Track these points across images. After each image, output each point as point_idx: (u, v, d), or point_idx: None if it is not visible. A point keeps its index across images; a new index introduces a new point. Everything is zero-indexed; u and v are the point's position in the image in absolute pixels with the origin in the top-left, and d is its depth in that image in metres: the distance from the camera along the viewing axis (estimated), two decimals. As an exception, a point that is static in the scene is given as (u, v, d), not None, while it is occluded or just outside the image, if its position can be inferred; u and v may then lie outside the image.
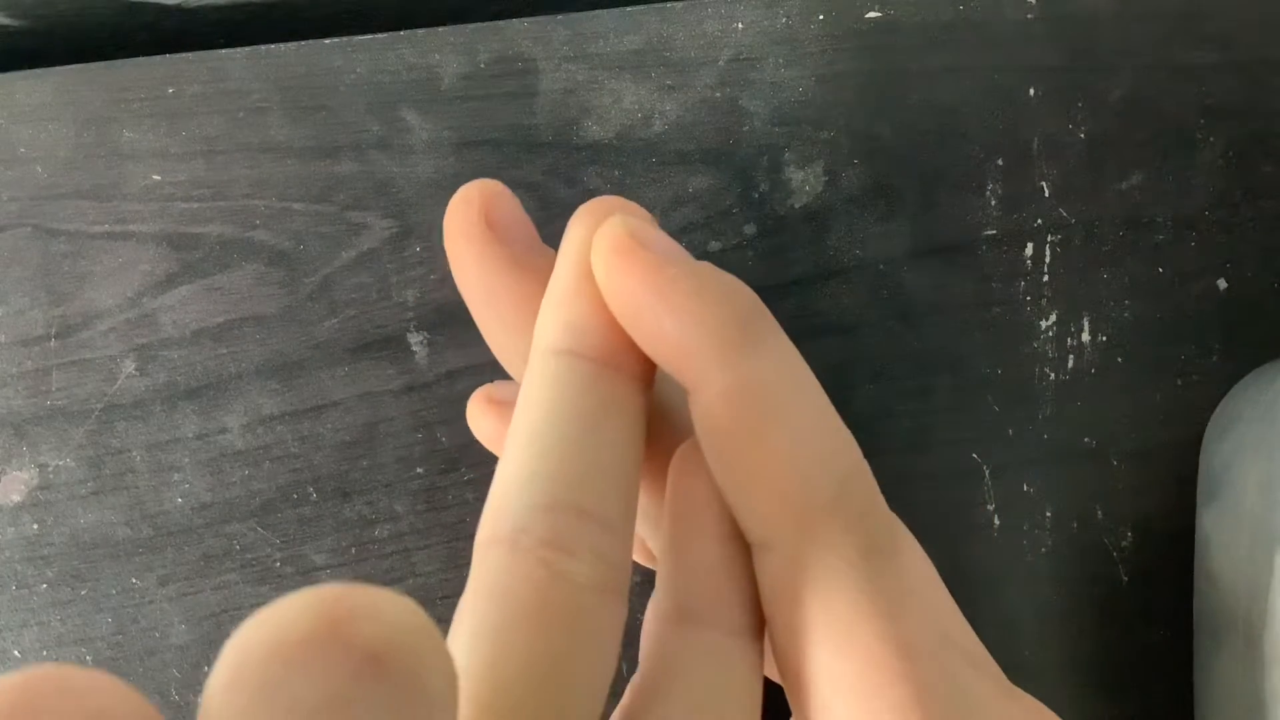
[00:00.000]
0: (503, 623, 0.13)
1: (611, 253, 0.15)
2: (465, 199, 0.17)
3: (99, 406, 0.23)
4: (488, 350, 0.24)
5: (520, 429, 0.15)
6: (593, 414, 0.15)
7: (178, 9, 0.26)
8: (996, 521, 0.26)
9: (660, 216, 0.24)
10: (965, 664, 0.16)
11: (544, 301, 0.16)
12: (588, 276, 0.16)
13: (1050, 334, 0.25)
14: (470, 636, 0.13)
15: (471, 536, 0.24)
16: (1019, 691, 0.16)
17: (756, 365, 0.15)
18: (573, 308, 0.16)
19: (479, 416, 0.21)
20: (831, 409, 0.16)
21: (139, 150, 0.23)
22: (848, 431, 0.16)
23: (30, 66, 0.23)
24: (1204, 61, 0.26)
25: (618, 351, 0.15)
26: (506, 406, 0.21)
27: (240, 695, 0.09)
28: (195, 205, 0.23)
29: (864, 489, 0.15)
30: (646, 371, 0.16)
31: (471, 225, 0.17)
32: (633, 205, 0.17)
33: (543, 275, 0.17)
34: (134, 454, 0.23)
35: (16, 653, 0.23)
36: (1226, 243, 0.26)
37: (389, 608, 0.10)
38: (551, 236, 0.25)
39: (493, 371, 0.24)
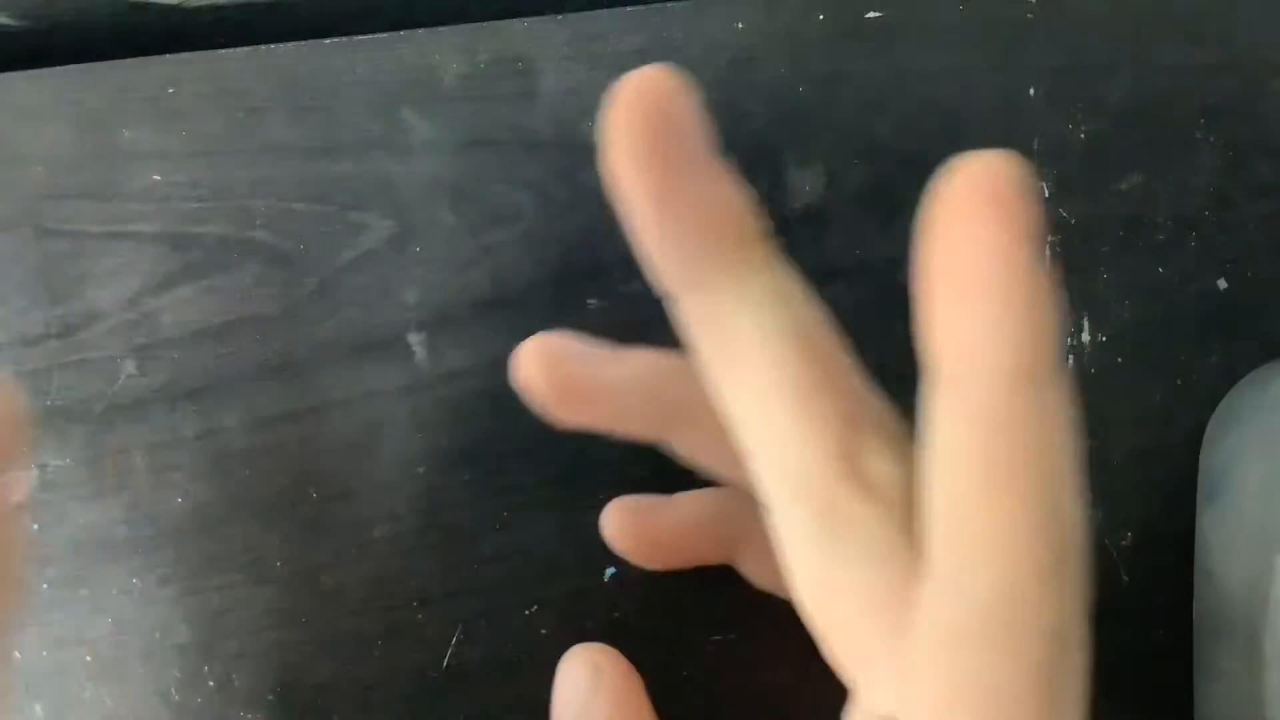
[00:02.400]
0: None
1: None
2: (637, 91, 0.15)
3: (99, 406, 0.23)
4: (488, 350, 0.24)
5: None
6: None
7: (178, 9, 0.26)
8: (996, 521, 0.26)
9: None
10: None
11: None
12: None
13: (1050, 334, 0.25)
14: None
15: (472, 537, 0.24)
16: None
17: None
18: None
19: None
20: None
21: (139, 150, 0.23)
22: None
23: (30, 66, 0.23)
24: (1204, 61, 0.26)
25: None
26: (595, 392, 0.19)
27: None
28: (195, 205, 0.23)
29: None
30: None
31: (654, 117, 0.15)
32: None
33: (723, 183, 0.16)
34: (134, 454, 0.23)
35: (17, 653, 0.23)
36: (1226, 243, 0.26)
37: None
38: (551, 237, 0.25)
39: (492, 372, 0.24)
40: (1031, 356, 0.14)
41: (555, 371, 0.19)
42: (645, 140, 0.15)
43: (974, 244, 0.14)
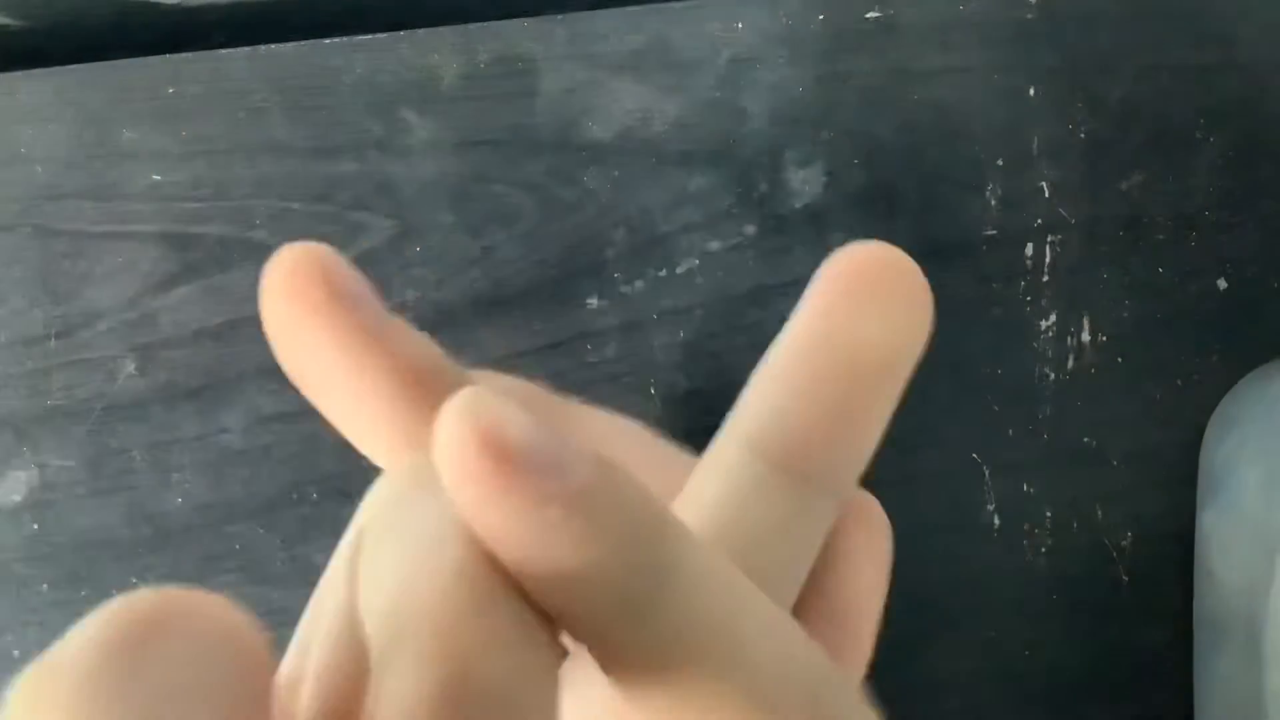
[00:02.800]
0: None
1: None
2: (295, 261, 0.14)
3: (99, 406, 0.23)
4: (488, 350, 0.24)
5: None
6: None
7: (178, 9, 0.26)
8: (996, 521, 0.26)
9: (660, 217, 0.24)
10: None
11: None
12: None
13: (1050, 334, 0.25)
14: None
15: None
16: None
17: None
18: None
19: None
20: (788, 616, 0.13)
21: (139, 150, 0.23)
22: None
23: (30, 66, 0.23)
24: (1204, 61, 0.26)
25: None
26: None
27: None
28: (195, 205, 0.23)
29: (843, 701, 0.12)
30: None
31: (315, 290, 0.14)
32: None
33: (405, 347, 0.14)
34: (134, 454, 0.23)
35: (16, 653, 0.23)
36: (1226, 243, 0.26)
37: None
38: (551, 237, 0.25)
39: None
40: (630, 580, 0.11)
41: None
42: (329, 299, 0.14)
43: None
